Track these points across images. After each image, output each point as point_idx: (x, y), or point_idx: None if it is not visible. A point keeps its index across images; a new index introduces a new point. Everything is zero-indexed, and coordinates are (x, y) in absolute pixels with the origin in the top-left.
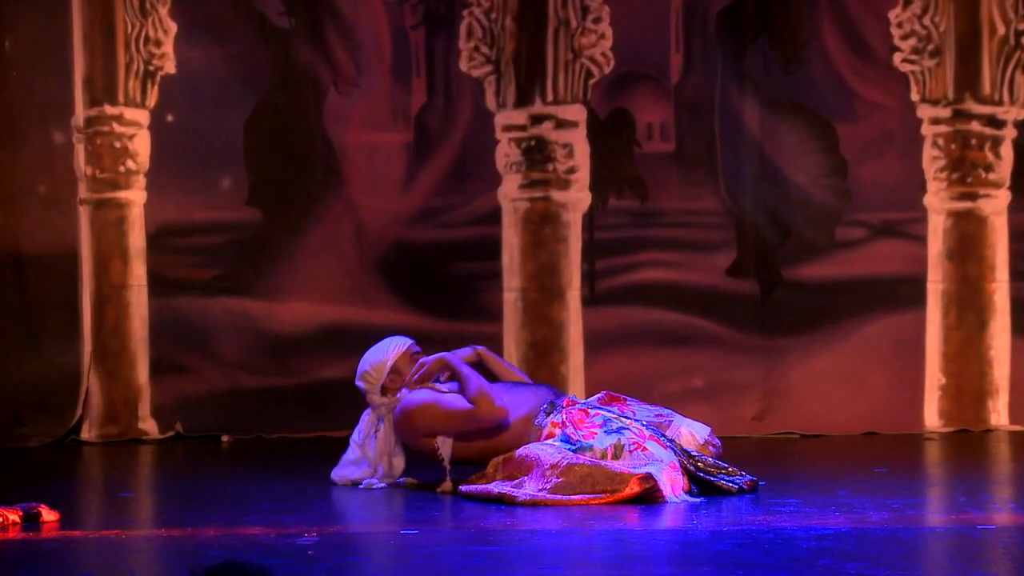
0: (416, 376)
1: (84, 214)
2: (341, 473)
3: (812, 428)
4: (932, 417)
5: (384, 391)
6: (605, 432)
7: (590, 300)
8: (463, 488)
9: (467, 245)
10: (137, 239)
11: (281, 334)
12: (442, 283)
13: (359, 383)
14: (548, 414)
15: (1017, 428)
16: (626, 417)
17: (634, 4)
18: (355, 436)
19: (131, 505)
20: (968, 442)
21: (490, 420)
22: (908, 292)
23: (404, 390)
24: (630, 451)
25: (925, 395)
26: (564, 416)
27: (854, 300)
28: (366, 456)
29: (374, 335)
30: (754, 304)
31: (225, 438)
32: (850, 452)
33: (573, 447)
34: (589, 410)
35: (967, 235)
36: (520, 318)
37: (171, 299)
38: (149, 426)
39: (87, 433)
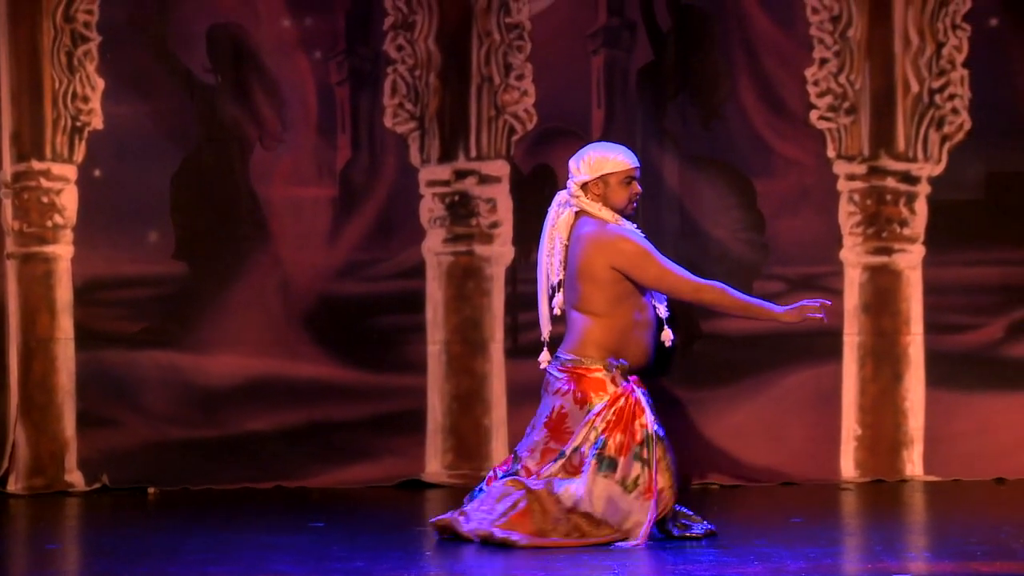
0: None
1: (11, 268)
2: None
3: (731, 479)
4: (848, 467)
5: (584, 188)
6: (634, 457)
7: (513, 352)
8: (467, 523)
9: (391, 299)
10: (64, 293)
11: (208, 387)
12: (367, 336)
13: (573, 161)
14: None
15: (931, 478)
16: (663, 440)
17: (556, 62)
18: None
19: (57, 557)
20: (883, 492)
21: (678, 294)
22: (825, 345)
23: (625, 222)
24: (640, 493)
25: (841, 446)
26: (624, 392)
27: (772, 353)
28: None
29: (300, 387)
30: (674, 356)
31: (151, 490)
32: (768, 502)
33: (597, 451)
34: (644, 408)
35: (882, 289)
36: (444, 370)
37: (98, 352)
38: (75, 478)
39: (13, 485)
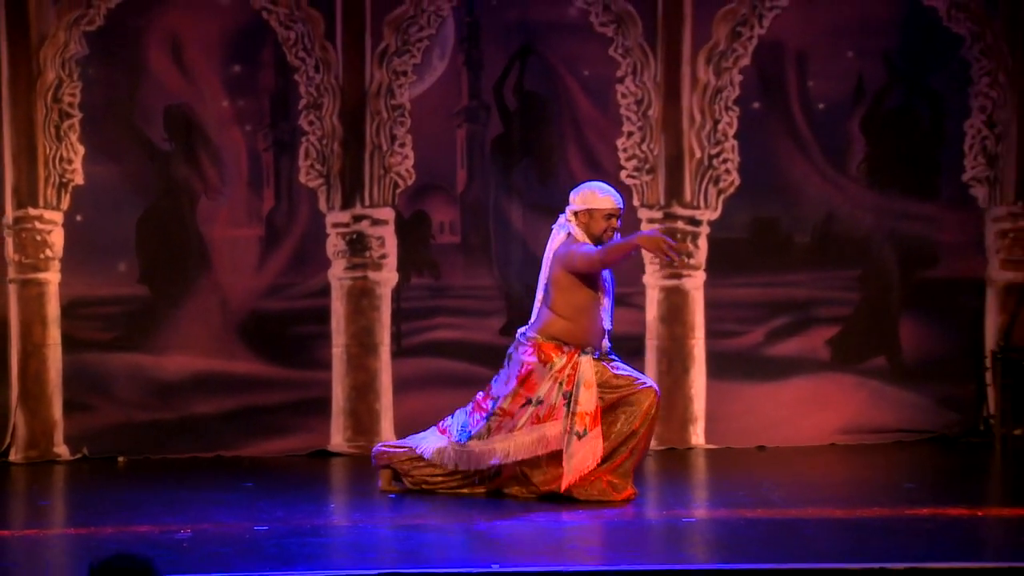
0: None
1: (12, 291)
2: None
3: None
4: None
5: (576, 215)
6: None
7: (397, 354)
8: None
9: (305, 313)
10: (53, 310)
11: (164, 380)
12: (286, 341)
13: (573, 192)
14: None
15: (710, 447)
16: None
17: (430, 133)
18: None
19: (48, 511)
20: (675, 457)
21: (591, 265)
22: (632, 347)
23: (586, 244)
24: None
25: None
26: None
27: None
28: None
29: (235, 380)
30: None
31: (121, 459)
32: None
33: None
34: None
35: (674, 305)
36: (344, 367)
37: (79, 355)
38: (62, 450)
39: (14, 456)
